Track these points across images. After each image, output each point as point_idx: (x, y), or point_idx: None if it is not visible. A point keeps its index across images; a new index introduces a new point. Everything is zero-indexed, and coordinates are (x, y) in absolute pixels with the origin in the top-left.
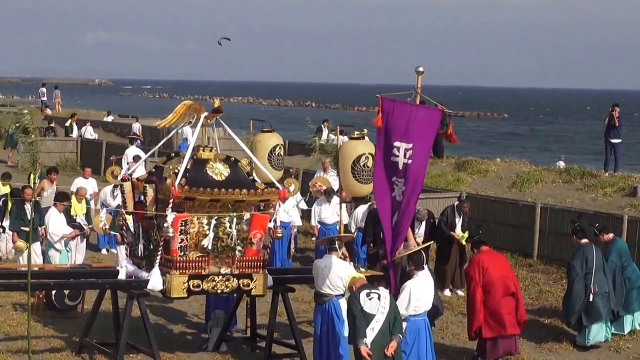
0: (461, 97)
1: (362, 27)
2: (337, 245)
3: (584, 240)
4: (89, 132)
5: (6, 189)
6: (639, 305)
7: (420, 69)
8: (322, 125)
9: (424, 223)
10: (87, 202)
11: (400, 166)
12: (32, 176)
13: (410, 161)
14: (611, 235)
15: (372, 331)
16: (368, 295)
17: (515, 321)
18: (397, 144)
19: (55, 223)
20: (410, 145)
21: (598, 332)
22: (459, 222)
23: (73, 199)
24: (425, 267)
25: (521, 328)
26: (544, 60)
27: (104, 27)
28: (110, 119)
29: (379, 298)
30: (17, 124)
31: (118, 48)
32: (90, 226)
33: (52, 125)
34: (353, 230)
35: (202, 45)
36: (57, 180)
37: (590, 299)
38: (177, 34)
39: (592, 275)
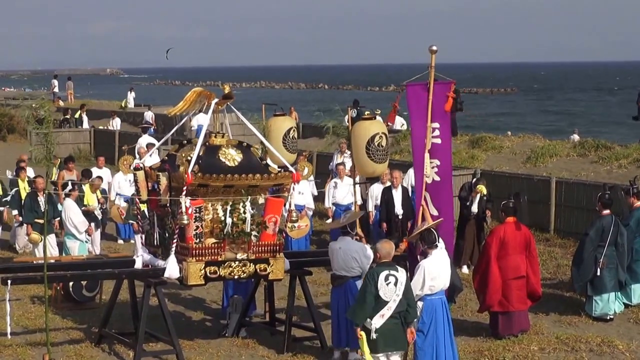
0: (473, 74)
1: (372, 7)
2: (349, 227)
3: (606, 211)
4: (116, 124)
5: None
6: None
7: (434, 48)
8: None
9: None
10: (103, 192)
11: (436, 147)
12: (47, 167)
13: (439, 141)
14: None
15: (381, 318)
16: (387, 278)
17: (523, 296)
18: (434, 124)
19: (78, 215)
20: (437, 125)
21: (606, 304)
22: (476, 199)
23: (86, 189)
24: (440, 244)
25: (535, 303)
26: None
27: (112, 16)
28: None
29: (395, 283)
30: (43, 115)
31: (127, 37)
32: (102, 215)
33: (68, 116)
34: (371, 210)
35: (212, 31)
36: (75, 169)
37: (598, 273)
38: (186, 21)
39: (604, 248)
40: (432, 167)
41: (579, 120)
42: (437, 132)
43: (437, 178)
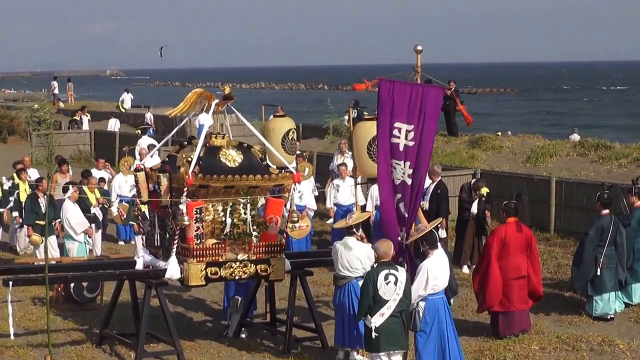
0: (474, 73)
1: (372, 8)
2: (355, 228)
3: (605, 211)
4: (116, 126)
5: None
6: None
7: (419, 48)
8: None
9: (431, 187)
10: (102, 194)
11: (401, 148)
12: (49, 169)
13: (412, 143)
14: None
15: (381, 317)
16: (386, 278)
17: (525, 296)
18: (397, 124)
19: (75, 216)
20: (412, 127)
21: (607, 304)
22: (476, 199)
23: (86, 190)
24: (439, 244)
25: (536, 303)
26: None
27: (112, 17)
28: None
29: (395, 282)
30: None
31: (127, 38)
32: (103, 216)
33: (76, 118)
34: (370, 210)
35: (212, 31)
36: (68, 172)
37: (598, 272)
38: (186, 21)
39: (604, 248)
40: (402, 169)
41: (570, 120)
42: (411, 135)
43: (409, 181)
